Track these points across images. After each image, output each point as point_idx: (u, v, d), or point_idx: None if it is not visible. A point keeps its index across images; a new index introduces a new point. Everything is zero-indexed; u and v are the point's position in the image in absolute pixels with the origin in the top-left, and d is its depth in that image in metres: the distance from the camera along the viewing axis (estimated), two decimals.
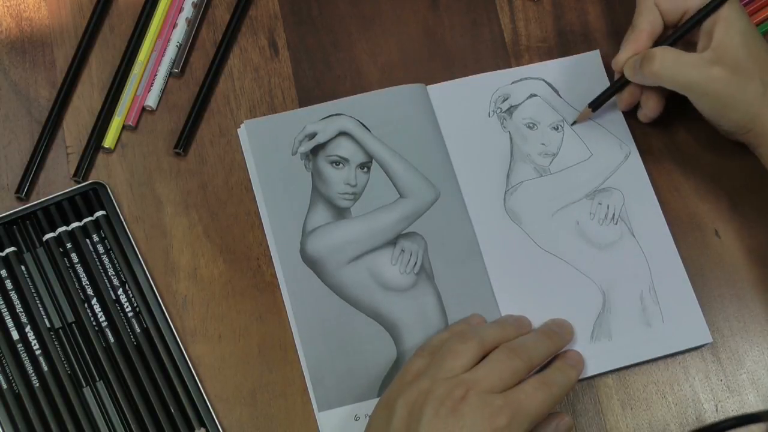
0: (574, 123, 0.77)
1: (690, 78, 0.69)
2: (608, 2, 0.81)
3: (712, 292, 0.73)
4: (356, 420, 0.70)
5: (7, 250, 0.73)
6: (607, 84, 0.78)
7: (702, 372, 0.72)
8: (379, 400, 0.65)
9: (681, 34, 0.72)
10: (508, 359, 0.64)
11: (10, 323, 0.71)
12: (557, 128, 0.77)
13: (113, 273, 0.73)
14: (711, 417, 0.70)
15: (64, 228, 0.74)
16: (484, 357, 0.65)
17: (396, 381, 0.65)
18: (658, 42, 0.73)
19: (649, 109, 0.75)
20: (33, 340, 0.71)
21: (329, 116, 0.77)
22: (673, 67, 0.70)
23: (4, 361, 0.70)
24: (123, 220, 0.74)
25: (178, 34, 0.80)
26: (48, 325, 0.72)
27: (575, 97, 0.78)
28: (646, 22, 0.72)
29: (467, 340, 0.65)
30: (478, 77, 0.79)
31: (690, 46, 0.72)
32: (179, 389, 0.70)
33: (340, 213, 0.75)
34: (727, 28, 0.69)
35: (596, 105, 0.76)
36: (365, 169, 0.76)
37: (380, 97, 0.78)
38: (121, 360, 0.70)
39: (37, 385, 0.70)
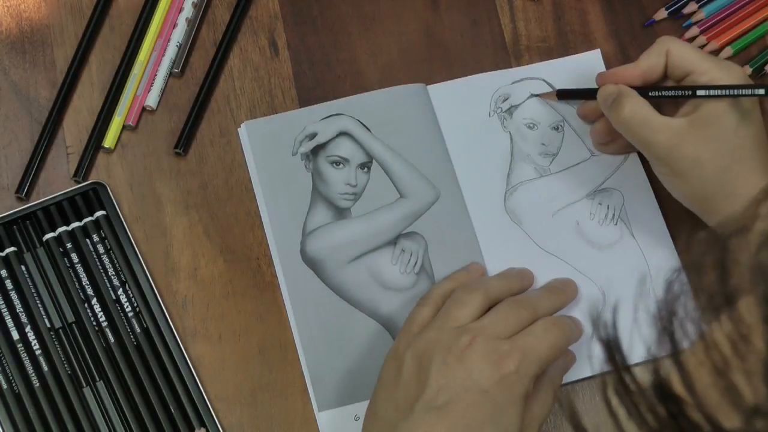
0: (536, 95, 0.77)
1: (645, 138, 0.68)
2: (608, 2, 0.81)
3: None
4: (356, 420, 0.70)
5: (7, 250, 0.73)
6: None
7: None
8: (388, 352, 0.66)
9: (671, 96, 0.69)
10: (513, 310, 0.65)
11: (10, 323, 0.71)
12: (557, 128, 0.77)
13: (113, 273, 0.73)
14: None
15: (64, 228, 0.74)
16: (489, 309, 0.66)
17: (403, 333, 0.66)
18: (649, 84, 0.70)
19: (596, 132, 0.75)
20: (33, 340, 0.71)
21: (329, 116, 0.77)
22: (636, 125, 0.68)
23: (4, 361, 0.70)
24: (123, 220, 0.74)
25: (178, 34, 0.80)
26: (48, 325, 0.72)
27: None
28: (646, 63, 0.70)
29: (473, 291, 0.66)
30: (479, 77, 0.79)
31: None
32: (179, 389, 0.70)
33: (341, 213, 0.75)
34: (721, 116, 0.67)
35: (563, 96, 0.76)
36: (365, 169, 0.76)
37: (380, 97, 0.78)
38: (121, 360, 0.70)
39: (37, 385, 0.70)
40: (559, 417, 0.70)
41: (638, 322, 0.39)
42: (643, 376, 0.38)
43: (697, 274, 0.38)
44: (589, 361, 0.71)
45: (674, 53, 0.69)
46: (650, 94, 0.70)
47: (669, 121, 0.68)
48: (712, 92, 0.67)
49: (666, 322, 0.38)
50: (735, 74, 0.68)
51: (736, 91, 0.66)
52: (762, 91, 0.66)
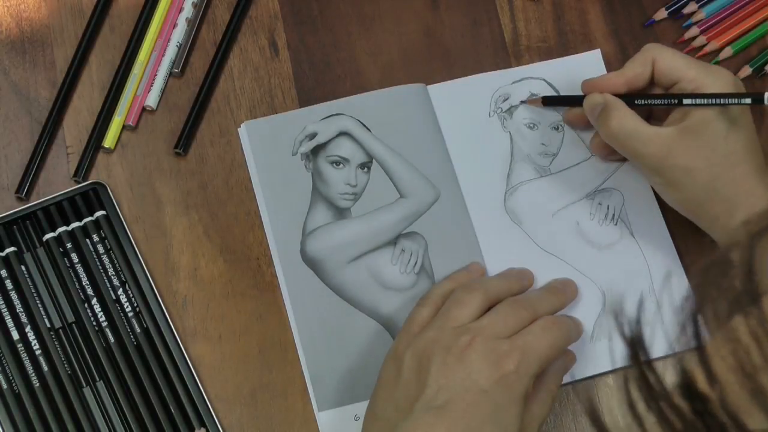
0: (523, 102, 0.77)
1: (636, 151, 0.68)
2: (608, 2, 0.81)
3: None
4: (356, 420, 0.70)
5: (7, 250, 0.73)
6: None
7: None
8: (388, 352, 0.66)
9: (657, 104, 0.69)
10: (513, 310, 0.65)
11: (10, 323, 0.71)
12: (558, 128, 0.77)
13: (113, 273, 0.73)
14: None
15: (64, 228, 0.74)
16: (488, 309, 0.66)
17: (403, 333, 0.66)
18: (635, 92, 0.70)
19: (595, 145, 0.75)
20: (33, 340, 0.71)
21: (329, 116, 0.77)
22: (625, 138, 0.68)
23: (4, 361, 0.70)
24: (123, 220, 0.74)
25: (178, 34, 0.80)
26: (48, 325, 0.72)
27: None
28: (632, 72, 0.70)
29: (472, 291, 0.66)
30: (479, 77, 0.79)
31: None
32: (179, 389, 0.70)
33: (341, 213, 0.75)
34: (710, 123, 0.67)
35: (549, 102, 0.76)
36: (365, 169, 0.76)
37: (380, 97, 0.78)
38: (121, 360, 0.70)
39: (37, 385, 0.70)
40: (560, 417, 0.70)
41: (662, 318, 0.39)
42: (666, 374, 0.38)
43: (722, 273, 0.38)
44: (590, 360, 0.71)
45: (661, 62, 0.69)
46: (636, 102, 0.69)
47: (658, 131, 0.68)
48: (698, 101, 0.67)
49: (691, 319, 0.37)
50: (723, 80, 0.68)
51: (722, 100, 0.66)
52: (749, 100, 0.66)
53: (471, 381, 0.61)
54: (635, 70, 0.70)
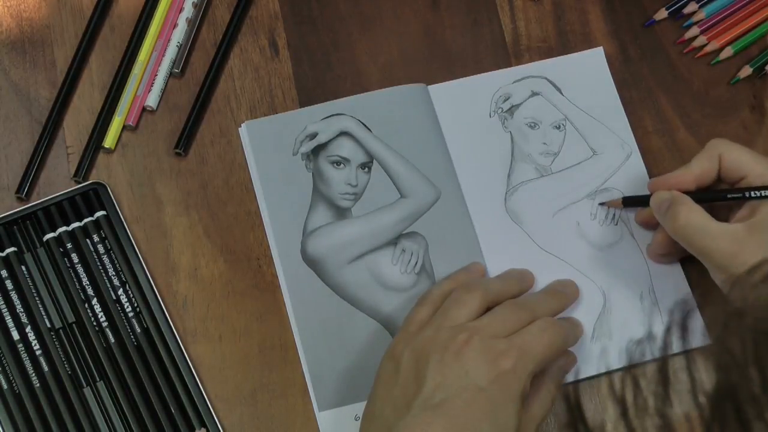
0: (603, 204, 0.75)
1: (705, 247, 0.65)
2: (608, 2, 0.81)
3: (712, 293, 0.73)
4: (356, 420, 0.70)
5: (8, 250, 0.73)
6: (611, 82, 0.78)
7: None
8: (386, 351, 0.66)
9: (726, 199, 0.67)
10: (512, 311, 0.65)
11: (10, 323, 0.71)
12: (559, 127, 0.77)
13: (113, 273, 0.73)
14: None
15: (64, 228, 0.74)
16: (488, 310, 0.66)
17: (401, 332, 0.66)
18: (703, 189, 0.69)
19: (656, 244, 0.72)
20: (33, 340, 0.71)
21: (330, 116, 0.77)
22: (693, 233, 0.66)
23: (4, 361, 0.70)
24: (123, 220, 0.74)
25: (178, 34, 0.80)
26: (48, 325, 0.72)
27: (578, 94, 0.78)
28: (699, 168, 0.68)
29: (472, 291, 0.66)
30: (480, 77, 0.79)
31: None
32: (179, 389, 0.70)
33: (341, 213, 0.75)
34: None
35: (628, 203, 0.74)
36: (366, 169, 0.76)
37: (381, 97, 0.78)
38: (122, 360, 0.70)
39: (38, 385, 0.70)
40: (560, 417, 0.70)
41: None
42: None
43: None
44: (591, 361, 0.71)
45: (727, 157, 0.68)
46: (701, 197, 0.68)
47: (727, 227, 0.65)
48: (765, 193, 0.65)
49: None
50: None
51: None
52: None
53: (468, 379, 0.61)
54: (703, 166, 0.68)
